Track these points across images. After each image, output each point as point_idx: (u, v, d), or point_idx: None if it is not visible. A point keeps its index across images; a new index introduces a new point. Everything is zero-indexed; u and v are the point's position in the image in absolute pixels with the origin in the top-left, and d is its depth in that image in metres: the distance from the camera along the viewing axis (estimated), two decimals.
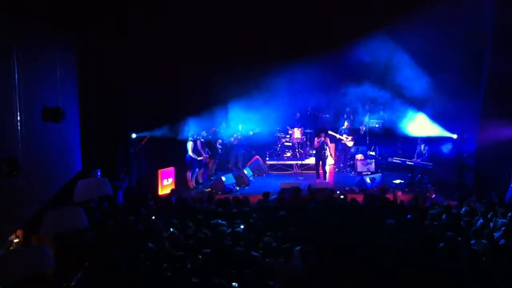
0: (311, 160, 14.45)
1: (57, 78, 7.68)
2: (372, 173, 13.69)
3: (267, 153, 15.17)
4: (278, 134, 15.40)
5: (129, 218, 7.64)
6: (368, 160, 14.38)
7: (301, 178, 13.75)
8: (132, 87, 12.26)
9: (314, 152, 14.14)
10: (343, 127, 14.40)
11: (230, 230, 7.38)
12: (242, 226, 7.72)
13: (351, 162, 14.88)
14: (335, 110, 15.76)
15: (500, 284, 5.55)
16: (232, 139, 14.31)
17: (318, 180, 13.14)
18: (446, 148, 13.25)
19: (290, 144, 15.14)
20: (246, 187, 12.93)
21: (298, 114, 15.75)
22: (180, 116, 13.12)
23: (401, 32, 12.61)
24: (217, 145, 13.74)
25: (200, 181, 13.27)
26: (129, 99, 12.24)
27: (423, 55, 13.01)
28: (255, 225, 7.82)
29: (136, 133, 12.80)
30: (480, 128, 11.95)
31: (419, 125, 13.60)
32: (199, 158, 12.73)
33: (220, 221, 7.74)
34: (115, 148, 11.76)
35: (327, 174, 13.62)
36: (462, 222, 8.08)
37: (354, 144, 14.63)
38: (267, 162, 14.78)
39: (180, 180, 12.85)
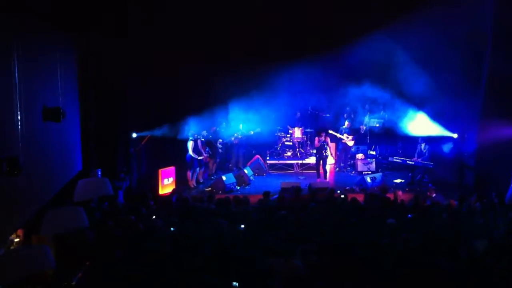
0: (312, 160, 14.45)
1: (57, 78, 7.68)
2: (373, 172, 13.69)
3: (268, 152, 15.18)
4: (279, 134, 15.41)
5: (130, 218, 7.64)
6: (368, 159, 14.38)
7: (301, 178, 13.76)
8: (132, 87, 12.27)
9: (314, 151, 14.15)
10: (344, 126, 14.41)
11: (230, 229, 7.39)
12: (242, 226, 7.72)
13: (352, 161, 14.88)
14: (336, 110, 15.76)
15: (500, 284, 5.54)
16: (232, 139, 14.31)
17: (318, 180, 13.15)
18: (447, 147, 13.26)
19: (291, 143, 15.15)
20: (247, 187, 12.95)
21: (298, 114, 15.76)
22: (180, 115, 13.14)
23: (401, 32, 12.60)
24: (218, 144, 13.74)
25: (201, 180, 13.28)
26: (129, 99, 12.26)
27: (423, 55, 13.02)
28: (255, 225, 7.82)
29: (136, 132, 12.81)
30: (480, 128, 11.95)
31: (419, 125, 13.62)
32: (199, 158, 12.74)
33: (220, 220, 7.74)
34: (115, 148, 11.78)
35: (328, 174, 13.63)
36: (462, 222, 8.08)
37: (355, 144, 14.64)
38: (268, 162, 14.79)
39: (180, 180, 12.86)
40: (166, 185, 12.38)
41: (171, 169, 12.61)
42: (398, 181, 13.35)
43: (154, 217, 8.37)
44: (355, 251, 6.28)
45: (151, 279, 5.45)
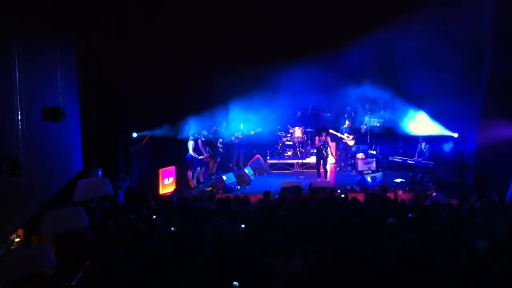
0: (312, 159, 14.46)
1: (58, 78, 7.69)
2: (373, 172, 13.70)
3: (268, 152, 15.20)
4: (279, 133, 15.42)
5: (130, 218, 7.64)
6: (369, 159, 14.39)
7: (302, 177, 13.77)
8: (132, 87, 12.28)
9: (315, 151, 14.15)
10: (344, 126, 14.41)
11: (230, 229, 7.39)
12: (242, 226, 7.72)
13: (352, 161, 14.89)
14: (336, 109, 15.77)
15: (500, 284, 5.54)
16: (233, 138, 14.32)
17: (319, 179, 13.15)
18: (447, 147, 13.26)
19: (291, 143, 15.16)
20: (247, 186, 12.95)
21: (299, 113, 15.78)
22: (180, 115, 13.14)
23: (401, 32, 12.60)
24: (218, 144, 13.75)
25: (201, 180, 13.29)
26: (129, 99, 12.26)
27: (423, 55, 13.00)
28: (256, 225, 7.82)
29: (136, 132, 12.81)
30: (481, 128, 11.95)
31: (420, 124, 13.62)
32: (200, 157, 12.74)
33: (220, 220, 7.74)
34: (115, 148, 11.78)
35: (328, 173, 13.63)
36: (462, 222, 8.08)
37: (355, 143, 14.64)
38: (268, 161, 14.80)
39: (181, 179, 12.86)
40: (167, 185, 12.39)
41: (172, 168, 12.61)
42: (398, 180, 13.36)
43: (154, 217, 8.38)
44: (355, 251, 6.28)
45: (151, 279, 5.45)
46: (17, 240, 6.91)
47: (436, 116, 13.48)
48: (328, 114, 15.88)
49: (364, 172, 13.85)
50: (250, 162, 14.51)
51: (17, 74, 5.70)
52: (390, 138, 15.46)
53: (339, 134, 14.31)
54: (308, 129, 15.54)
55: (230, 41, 14.00)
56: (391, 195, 10.36)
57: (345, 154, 14.84)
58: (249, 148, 15.29)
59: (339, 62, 13.85)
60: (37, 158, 6.47)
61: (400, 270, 5.70)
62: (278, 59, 13.57)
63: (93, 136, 10.44)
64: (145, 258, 6.13)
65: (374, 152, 15.03)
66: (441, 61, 12.82)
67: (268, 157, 14.92)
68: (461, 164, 13.11)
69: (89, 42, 10.08)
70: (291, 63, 13.50)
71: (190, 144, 12.57)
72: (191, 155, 12.60)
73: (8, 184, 5.21)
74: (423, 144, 12.88)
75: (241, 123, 14.59)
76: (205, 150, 12.96)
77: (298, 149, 15.01)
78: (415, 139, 13.34)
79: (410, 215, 8.56)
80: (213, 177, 13.67)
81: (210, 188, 12.50)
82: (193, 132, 12.70)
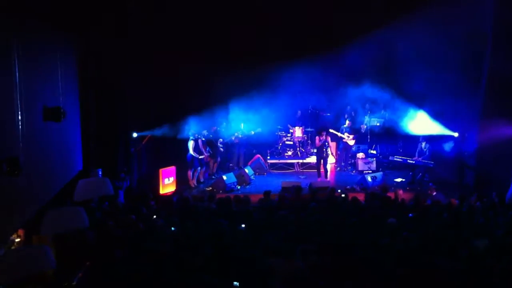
0: (312, 159, 14.46)
1: (58, 78, 7.69)
2: (373, 171, 13.69)
3: (268, 152, 15.20)
4: (279, 133, 15.42)
5: (130, 218, 7.64)
6: (369, 158, 14.39)
7: (302, 177, 13.77)
8: (132, 87, 12.28)
9: (315, 150, 14.15)
10: (345, 125, 14.41)
11: (230, 229, 7.39)
12: (243, 226, 7.72)
13: (352, 160, 14.89)
14: (336, 109, 15.78)
15: (500, 284, 5.54)
16: (233, 138, 14.32)
17: (319, 179, 13.15)
18: (448, 146, 13.26)
19: (291, 143, 15.16)
20: (247, 186, 12.95)
21: (299, 112, 15.78)
22: (180, 115, 13.14)
23: (401, 32, 12.60)
24: (218, 144, 13.75)
25: (201, 180, 13.29)
26: (129, 99, 12.26)
27: (423, 55, 13.01)
28: (256, 224, 7.82)
29: (136, 132, 12.81)
30: (481, 128, 11.96)
31: (420, 124, 13.63)
32: (200, 157, 12.75)
33: (220, 220, 7.74)
34: (115, 148, 11.78)
35: (328, 173, 13.63)
36: (462, 221, 8.08)
37: (356, 143, 14.64)
38: (268, 161, 14.80)
39: (181, 179, 12.86)
40: (167, 185, 12.38)
41: (172, 168, 12.61)
42: (398, 180, 13.36)
43: (154, 217, 8.38)
44: (356, 250, 6.28)
45: (151, 279, 5.45)
46: (17, 240, 6.91)
47: (436, 115, 13.49)
48: (328, 114, 15.89)
49: (364, 171, 13.86)
50: (250, 162, 14.51)
51: (17, 74, 5.69)
52: (390, 138, 15.46)
53: (339, 134, 14.31)
54: (308, 129, 15.55)
55: (230, 41, 14.00)
56: (391, 194, 10.36)
57: (345, 153, 14.84)
58: (249, 148, 15.29)
59: (339, 62, 13.86)
60: (37, 158, 6.47)
61: (400, 270, 5.70)
62: (278, 59, 13.57)
63: (93, 136, 10.44)
64: (145, 258, 6.13)
65: (374, 152, 15.03)
66: (441, 61, 12.84)
67: (268, 157, 14.92)
68: (461, 164, 13.11)
69: (89, 42, 10.08)
70: (291, 63, 13.51)
71: (190, 144, 12.58)
72: (191, 155, 12.60)
73: (8, 184, 5.20)
74: (423, 144, 12.89)
75: (241, 123, 14.60)
76: (205, 150, 12.96)
77: (298, 149, 15.01)
78: (415, 139, 13.35)
79: (410, 215, 8.56)
80: (213, 177, 13.67)
81: (210, 188, 12.50)
82: (193, 132, 12.70)
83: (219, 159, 14.07)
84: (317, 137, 13.40)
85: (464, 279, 5.59)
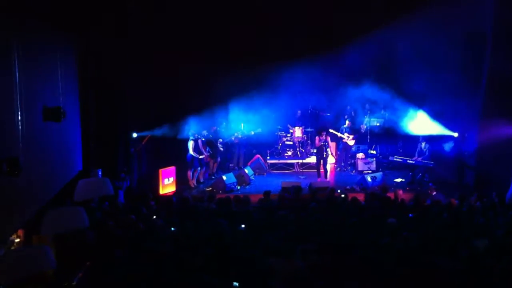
0: (312, 159, 14.46)
1: (58, 78, 7.69)
2: (373, 172, 13.70)
3: (268, 152, 15.19)
4: (279, 133, 15.42)
5: (130, 218, 7.64)
6: (369, 159, 14.39)
7: (302, 177, 13.77)
8: (132, 87, 12.28)
9: (315, 151, 14.16)
10: (345, 125, 14.41)
11: (230, 229, 7.38)
12: (242, 226, 7.72)
13: (352, 161, 14.89)
14: (336, 109, 15.79)
15: (500, 284, 5.55)
16: (233, 138, 14.32)
17: (319, 179, 13.15)
18: (448, 146, 13.26)
19: (291, 143, 15.15)
20: (247, 186, 12.94)
21: (299, 112, 15.77)
22: (180, 115, 13.14)
23: (401, 32, 12.60)
24: (218, 144, 13.74)
25: (201, 180, 13.28)
26: (129, 99, 12.27)
27: (423, 55, 13.01)
28: (256, 225, 7.82)
29: (136, 132, 12.81)
30: (481, 128, 11.97)
31: (420, 124, 13.63)
32: (200, 157, 12.74)
33: (220, 220, 7.74)
34: (115, 148, 11.79)
35: (328, 173, 13.63)
36: (462, 221, 8.08)
37: (355, 143, 14.64)
38: (268, 161, 14.80)
39: (181, 180, 12.85)
40: (167, 185, 12.38)
41: (172, 169, 12.60)
42: (398, 180, 13.36)
43: (154, 217, 8.38)
44: (356, 250, 6.28)
45: (151, 279, 5.45)
46: (17, 240, 6.91)
47: (436, 116, 13.49)
48: (328, 114, 15.89)
49: (364, 172, 13.86)
50: (250, 162, 14.51)
51: (17, 74, 5.70)
52: (390, 138, 15.47)
53: (339, 134, 14.31)
54: (308, 129, 15.54)
55: (230, 41, 14.00)
56: (391, 195, 10.36)
57: (345, 154, 14.84)
58: (249, 148, 15.29)
59: (339, 62, 13.87)
60: (37, 158, 6.47)
61: (400, 269, 5.70)
62: (278, 59, 13.57)
63: (93, 136, 10.44)
64: (145, 258, 6.13)
65: (374, 152, 15.04)
66: (441, 61, 12.84)
67: (268, 157, 14.92)
68: (461, 164, 13.11)
69: (89, 42, 10.08)
70: (291, 63, 13.51)
71: (190, 144, 12.57)
72: (191, 155, 12.60)
73: (8, 184, 5.20)
74: (423, 144, 12.89)
75: (241, 123, 14.61)
76: (205, 150, 12.96)
77: (298, 149, 15.01)
78: (415, 139, 13.35)
79: (410, 215, 8.56)
80: (213, 177, 13.67)
81: (210, 188, 12.50)
82: (193, 132, 12.70)
83: (219, 159, 14.06)
84: (317, 137, 13.40)
85: (464, 279, 5.59)
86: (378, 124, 15.27)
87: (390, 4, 13.15)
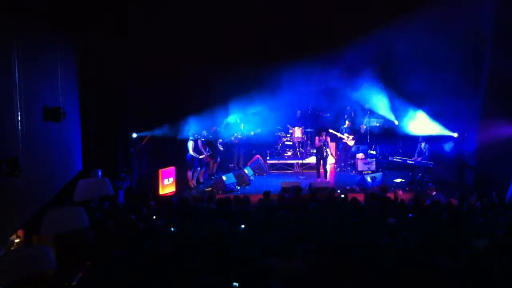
0: (312, 159, 14.46)
1: (57, 78, 7.69)
2: (373, 172, 13.71)
3: (268, 152, 15.19)
4: (279, 133, 15.41)
5: (130, 218, 7.64)
6: (369, 159, 14.40)
7: (301, 177, 13.77)
8: (132, 87, 12.28)
9: (314, 151, 14.16)
10: (344, 126, 14.41)
11: (230, 229, 7.39)
12: (242, 226, 7.72)
13: (352, 161, 14.89)
14: (336, 109, 15.80)
15: (500, 284, 5.55)
16: (232, 138, 14.32)
17: (318, 179, 13.16)
18: (448, 146, 13.26)
19: (291, 143, 15.16)
20: (247, 187, 12.94)
21: (298, 112, 15.77)
22: (180, 115, 13.14)
23: (401, 32, 12.60)
24: (218, 144, 13.74)
25: (201, 180, 13.28)
26: (129, 99, 12.27)
27: (423, 55, 13.02)
28: (256, 225, 7.82)
29: (136, 132, 12.81)
30: (481, 128, 11.97)
31: (419, 124, 13.64)
32: (200, 157, 12.74)
33: (220, 220, 7.74)
34: (115, 148, 11.79)
35: (328, 173, 13.63)
36: (462, 221, 8.09)
37: (355, 143, 14.64)
38: (268, 161, 14.79)
39: (180, 180, 12.85)
40: (167, 185, 12.38)
41: (172, 169, 12.60)
42: (398, 180, 13.36)
43: (154, 217, 8.38)
44: (356, 250, 6.28)
45: (151, 279, 5.45)
46: (17, 240, 6.91)
47: (436, 115, 13.50)
48: (328, 114, 15.89)
49: (364, 172, 13.86)
50: (250, 162, 14.51)
51: (17, 74, 5.69)
52: (390, 138, 15.47)
53: (339, 134, 14.31)
54: (308, 129, 15.54)
55: (230, 41, 13.99)
56: (391, 195, 10.37)
57: (345, 154, 14.84)
58: (249, 148, 15.29)
59: (339, 62, 13.87)
60: (37, 158, 6.47)
61: (400, 269, 5.71)
62: (278, 59, 13.57)
63: (93, 136, 10.44)
64: (145, 258, 6.13)
65: (374, 152, 15.04)
66: (441, 61, 12.84)
67: (268, 157, 14.92)
68: (461, 164, 13.12)
69: (89, 42, 10.08)
70: (291, 63, 13.51)
71: (190, 144, 12.57)
72: (191, 155, 12.60)
73: (8, 184, 5.20)
74: (423, 144, 12.90)
75: (241, 123, 14.61)
76: (205, 150, 12.96)
77: (298, 149, 15.01)
78: (415, 139, 13.35)
79: (410, 215, 8.56)
80: (213, 177, 13.67)
81: (210, 189, 12.49)
82: (193, 132, 12.70)
83: (218, 159, 14.06)
84: (316, 138, 13.40)
85: (464, 279, 5.59)
86: (377, 125, 15.28)
87: (390, 4, 13.15)
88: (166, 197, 11.35)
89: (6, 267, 4.60)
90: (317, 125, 15.60)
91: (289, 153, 15.16)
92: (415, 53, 12.98)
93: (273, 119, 15.14)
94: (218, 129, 14.01)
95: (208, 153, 13.17)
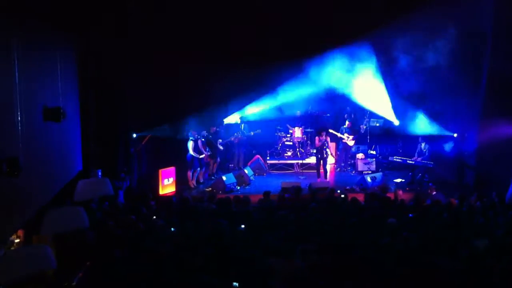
0: (312, 159, 14.46)
1: (57, 78, 7.68)
2: (373, 172, 13.71)
3: (268, 152, 15.18)
4: (279, 133, 15.41)
5: (130, 218, 7.65)
6: (369, 159, 14.40)
7: (301, 178, 13.77)
8: (132, 87, 12.28)
9: (314, 151, 14.15)
10: (344, 126, 14.40)
11: (230, 229, 7.39)
12: (242, 226, 7.72)
13: (352, 161, 14.89)
14: (336, 109, 15.80)
15: (500, 284, 5.55)
16: (232, 138, 14.33)
17: (318, 179, 13.16)
18: (448, 146, 13.27)
19: (291, 143, 15.15)
20: (247, 187, 12.94)
21: (298, 112, 15.75)
22: (180, 115, 13.14)
23: (401, 32, 12.61)
24: (218, 144, 13.74)
25: (201, 180, 13.28)
26: (129, 99, 12.27)
27: (423, 55, 13.01)
28: (256, 225, 7.82)
29: (136, 132, 12.81)
30: (481, 127, 11.98)
31: (419, 124, 13.64)
32: (200, 156, 12.74)
33: (220, 220, 7.74)
34: (115, 148, 11.79)
35: (328, 173, 13.63)
36: (462, 221, 8.09)
37: (355, 143, 14.64)
38: (268, 162, 14.79)
39: (180, 180, 12.85)
40: (167, 185, 12.38)
41: (171, 169, 12.60)
42: (398, 180, 13.36)
43: (154, 217, 8.38)
44: (356, 250, 6.28)
45: (151, 279, 5.45)
46: (17, 240, 6.91)
47: (436, 115, 13.49)
48: (328, 114, 15.89)
49: (364, 172, 13.87)
50: (250, 162, 14.51)
51: (17, 74, 5.69)
52: (390, 138, 15.47)
53: (339, 134, 14.31)
54: (308, 129, 15.53)
55: (230, 41, 13.99)
56: (391, 195, 10.37)
57: (345, 154, 14.83)
58: (249, 148, 15.29)
59: (339, 62, 13.86)
60: (37, 158, 6.46)
61: (400, 269, 5.71)
62: (278, 59, 13.56)
63: (93, 136, 10.44)
64: (145, 258, 6.14)
65: (374, 152, 15.04)
66: (441, 60, 12.83)
67: (268, 158, 14.92)
68: (461, 164, 13.12)
69: (89, 42, 10.07)
70: (291, 63, 13.51)
71: (190, 145, 12.58)
72: (191, 155, 12.60)
73: (8, 184, 5.20)
74: (423, 144, 12.90)
75: (241, 123, 14.60)
76: (205, 150, 12.96)
77: (298, 149, 15.00)
78: (415, 139, 13.35)
79: (410, 215, 8.56)
80: (213, 177, 13.67)
81: (210, 189, 12.49)
82: (192, 132, 12.70)
83: (218, 159, 14.07)
84: (316, 138, 13.40)
85: (464, 279, 5.60)
86: (377, 125, 15.27)
87: (390, 4, 13.13)
88: (166, 197, 11.35)
89: (6, 267, 4.60)
90: (317, 125, 15.59)
91: (289, 153, 15.16)
92: (415, 52, 12.97)
93: (273, 119, 15.13)
94: (218, 129, 14.01)
95: (208, 153, 13.17)
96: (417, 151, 13.07)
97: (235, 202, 9.33)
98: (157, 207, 9.37)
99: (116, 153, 11.81)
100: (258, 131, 14.78)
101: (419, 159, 12.85)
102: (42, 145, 6.83)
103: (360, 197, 10.40)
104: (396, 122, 14.81)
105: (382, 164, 14.63)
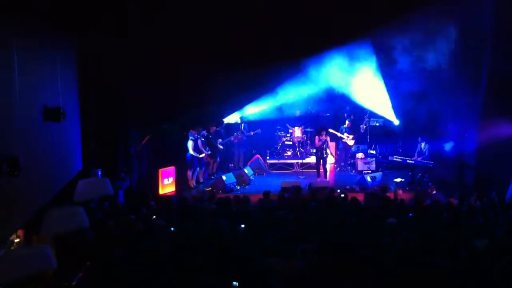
0: (312, 159, 14.47)
1: (57, 78, 7.68)
2: (373, 171, 13.71)
3: (268, 152, 15.19)
4: (279, 133, 15.41)
5: (130, 218, 7.65)
6: (368, 158, 14.41)
7: (301, 177, 13.77)
8: (132, 87, 12.27)
9: (314, 151, 14.16)
10: (344, 125, 14.40)
11: (230, 229, 7.39)
12: (242, 226, 7.72)
13: (352, 160, 14.90)
14: (336, 109, 15.79)
15: (500, 284, 5.55)
16: (232, 138, 14.33)
17: (318, 179, 13.16)
18: (448, 146, 13.27)
19: (291, 143, 15.17)
20: (247, 186, 12.94)
21: (298, 112, 15.76)
22: (180, 115, 13.13)
23: (401, 32, 12.61)
24: (218, 144, 13.74)
25: (201, 180, 13.28)
26: (129, 99, 12.26)
27: (422, 54, 13.01)
28: (256, 224, 7.82)
29: (136, 132, 12.80)
30: (480, 127, 11.96)
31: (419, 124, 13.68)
32: (200, 156, 12.74)
33: (220, 220, 7.74)
34: (115, 148, 11.78)
35: (328, 173, 13.63)
36: (462, 221, 8.09)
37: (355, 143, 14.64)
38: (268, 161, 14.80)
39: (180, 180, 12.85)
40: (166, 185, 12.38)
41: (171, 169, 12.60)
42: (398, 180, 13.36)
43: (154, 217, 8.38)
44: (356, 250, 6.29)
45: (151, 279, 5.45)
46: (16, 240, 6.91)
47: (435, 115, 13.50)
48: (328, 114, 15.89)
49: (363, 172, 13.87)
50: (249, 162, 14.51)
51: (17, 74, 5.69)
52: (390, 138, 15.47)
53: (339, 134, 14.31)
54: (308, 129, 15.53)
55: (230, 41, 13.98)
56: (390, 195, 10.37)
57: (344, 154, 14.83)
58: (248, 148, 15.29)
59: (339, 61, 13.87)
60: (37, 158, 6.46)
61: (400, 269, 5.71)
62: (278, 59, 13.56)
63: (93, 136, 10.43)
64: (145, 258, 6.14)
65: (374, 152, 15.05)
66: (441, 60, 12.84)
67: (267, 157, 14.92)
68: (461, 164, 13.12)
69: (89, 42, 10.06)
70: (291, 63, 13.50)
71: (190, 144, 12.57)
72: (191, 155, 12.60)
73: (8, 184, 5.20)
74: (423, 144, 12.90)
75: (241, 123, 14.61)
76: (205, 150, 12.96)
77: (297, 149, 15.01)
78: (415, 139, 13.35)
79: (410, 214, 8.57)
80: (212, 177, 13.66)
81: (210, 188, 12.49)
82: (193, 132, 12.70)
83: (218, 159, 14.07)
84: (316, 137, 13.39)
85: (464, 279, 5.60)
86: (377, 124, 15.27)
87: (390, 4, 13.13)
88: (166, 197, 11.34)
89: (6, 267, 4.60)
90: (317, 125, 15.58)
91: (289, 153, 15.17)
92: (415, 52, 12.97)
93: (272, 119, 15.13)
94: (218, 128, 14.01)
95: (208, 153, 13.16)
96: (417, 150, 13.07)
97: (235, 202, 9.33)
98: (157, 207, 9.37)
99: (116, 153, 11.80)
100: (258, 130, 14.78)
101: (419, 158, 12.85)
102: (42, 145, 6.83)
103: (360, 196, 10.40)
104: (396, 122, 14.84)
105: (382, 164, 14.63)
